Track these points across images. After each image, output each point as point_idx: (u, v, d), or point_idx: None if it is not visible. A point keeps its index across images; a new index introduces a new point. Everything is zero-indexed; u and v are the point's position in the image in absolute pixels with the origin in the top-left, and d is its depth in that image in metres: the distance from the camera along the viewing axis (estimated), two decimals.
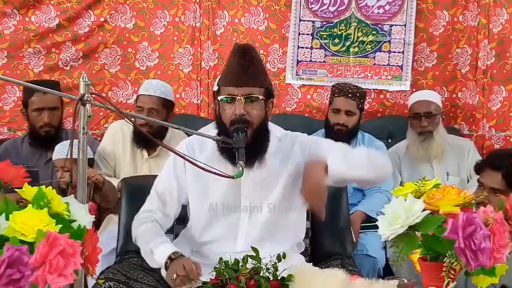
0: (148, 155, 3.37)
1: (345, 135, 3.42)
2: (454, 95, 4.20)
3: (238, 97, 2.09)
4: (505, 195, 2.27)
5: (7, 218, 1.33)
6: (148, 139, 3.13)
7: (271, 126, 2.26)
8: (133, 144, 3.37)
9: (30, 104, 3.34)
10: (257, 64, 2.16)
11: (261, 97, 2.13)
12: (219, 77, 3.66)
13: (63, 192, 2.94)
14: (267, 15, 4.16)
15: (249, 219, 2.19)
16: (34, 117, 3.34)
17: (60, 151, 3.09)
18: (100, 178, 3.06)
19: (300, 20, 4.14)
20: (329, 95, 3.61)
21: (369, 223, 3.21)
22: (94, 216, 1.48)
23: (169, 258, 2.02)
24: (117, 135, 3.42)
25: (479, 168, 2.57)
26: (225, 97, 2.12)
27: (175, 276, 1.90)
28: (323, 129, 3.56)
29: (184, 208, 2.31)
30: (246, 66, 2.10)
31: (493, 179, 2.44)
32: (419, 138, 3.58)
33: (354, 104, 3.41)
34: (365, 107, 4.15)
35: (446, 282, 1.50)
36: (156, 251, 2.10)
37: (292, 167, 2.22)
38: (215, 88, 3.63)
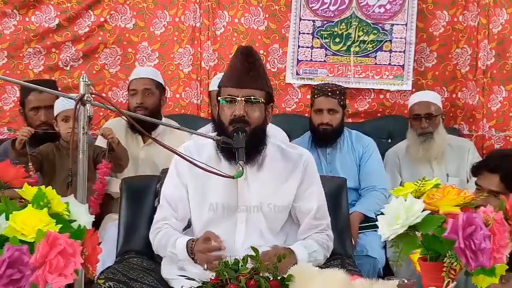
0: (144, 143, 3.40)
1: (330, 135, 3.43)
2: (454, 95, 4.20)
3: (238, 98, 2.10)
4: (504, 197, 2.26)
5: (7, 218, 1.33)
6: (144, 126, 3.10)
7: (277, 132, 2.27)
8: (127, 134, 3.39)
9: (27, 104, 3.35)
10: (259, 67, 2.18)
11: (261, 100, 2.14)
12: (215, 77, 3.68)
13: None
14: (267, 15, 4.16)
15: (247, 221, 2.20)
16: (31, 116, 3.34)
17: (66, 102, 2.99)
18: (115, 139, 3.08)
19: (301, 19, 4.14)
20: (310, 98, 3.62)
21: (368, 223, 3.21)
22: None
23: (187, 250, 2.08)
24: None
25: (476, 171, 2.55)
26: (226, 97, 2.13)
27: (205, 266, 1.91)
28: (309, 132, 3.56)
29: None
30: (248, 68, 2.11)
31: (490, 182, 2.41)
32: (419, 139, 3.58)
33: (335, 101, 3.42)
34: (365, 107, 4.18)
35: (446, 282, 1.50)
36: (176, 250, 2.13)
37: (293, 184, 2.25)
38: (211, 88, 3.65)
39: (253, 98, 2.12)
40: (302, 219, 2.28)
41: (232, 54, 2.22)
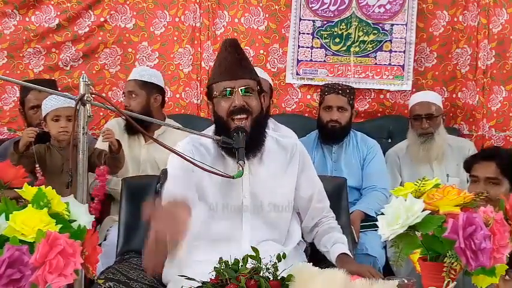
0: (145, 141, 3.39)
1: (338, 132, 3.44)
2: (454, 95, 4.20)
3: (235, 89, 2.10)
4: (500, 183, 2.33)
5: (7, 218, 1.33)
6: (143, 125, 3.06)
7: (276, 125, 2.25)
8: (129, 132, 3.38)
9: (27, 102, 3.34)
10: (247, 58, 2.22)
11: (256, 88, 2.15)
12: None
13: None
14: (267, 15, 4.16)
15: (252, 219, 2.19)
16: (31, 115, 3.34)
17: (55, 101, 2.95)
18: (115, 142, 3.04)
19: (301, 20, 4.14)
20: (319, 95, 3.64)
21: (368, 222, 3.21)
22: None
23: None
24: (113, 130, 3.41)
25: (470, 164, 2.56)
26: (222, 91, 2.11)
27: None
28: (316, 131, 3.57)
29: None
30: (239, 60, 2.13)
31: (487, 169, 2.43)
32: (420, 140, 3.58)
33: (345, 99, 3.45)
34: (365, 107, 4.18)
35: (446, 282, 1.50)
36: None
37: (293, 174, 2.26)
38: None
39: (249, 88, 2.12)
40: (307, 206, 2.30)
41: (219, 49, 2.21)
